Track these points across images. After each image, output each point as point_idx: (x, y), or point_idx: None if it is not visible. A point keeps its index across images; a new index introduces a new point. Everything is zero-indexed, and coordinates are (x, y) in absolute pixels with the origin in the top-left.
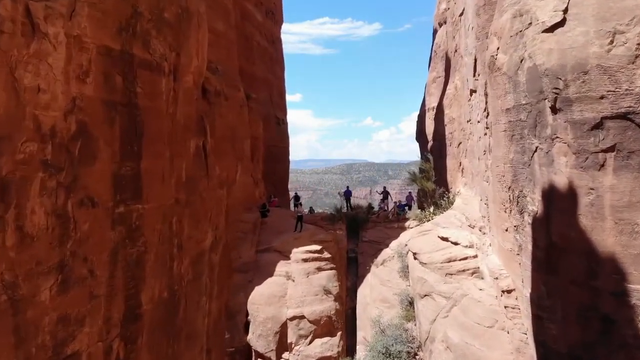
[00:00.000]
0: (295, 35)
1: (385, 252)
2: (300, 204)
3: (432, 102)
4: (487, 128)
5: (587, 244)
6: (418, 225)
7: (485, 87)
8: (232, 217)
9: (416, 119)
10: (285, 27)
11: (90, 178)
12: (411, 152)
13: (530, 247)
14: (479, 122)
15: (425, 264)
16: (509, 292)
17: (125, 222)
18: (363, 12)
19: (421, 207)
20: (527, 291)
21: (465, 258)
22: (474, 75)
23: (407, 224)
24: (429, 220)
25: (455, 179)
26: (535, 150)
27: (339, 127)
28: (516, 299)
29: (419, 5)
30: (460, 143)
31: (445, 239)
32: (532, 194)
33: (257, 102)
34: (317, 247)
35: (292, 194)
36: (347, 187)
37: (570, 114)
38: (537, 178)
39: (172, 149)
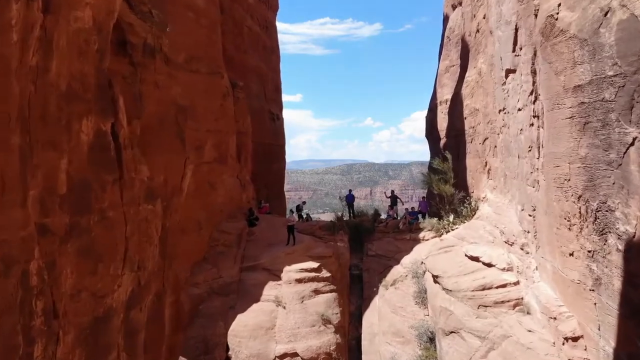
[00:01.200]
0: (296, 36)
1: (396, 270)
2: (299, 214)
3: (445, 94)
4: (535, 117)
5: None
6: (435, 237)
7: (533, 63)
8: (212, 227)
9: (415, 119)
10: (285, 27)
11: None
12: (411, 153)
13: (617, 283)
14: (520, 109)
15: (450, 291)
16: (574, 339)
17: None
18: (364, 12)
19: (436, 215)
20: (607, 344)
21: (504, 285)
22: (514, 50)
23: (421, 235)
24: (448, 231)
25: (478, 182)
26: (632, 144)
27: (339, 128)
28: (585, 349)
29: (419, 5)
30: (486, 139)
31: (475, 259)
32: (624, 207)
33: (247, 93)
34: (314, 265)
35: (289, 195)
36: (350, 190)
37: None
38: (634, 185)
39: (36, 133)
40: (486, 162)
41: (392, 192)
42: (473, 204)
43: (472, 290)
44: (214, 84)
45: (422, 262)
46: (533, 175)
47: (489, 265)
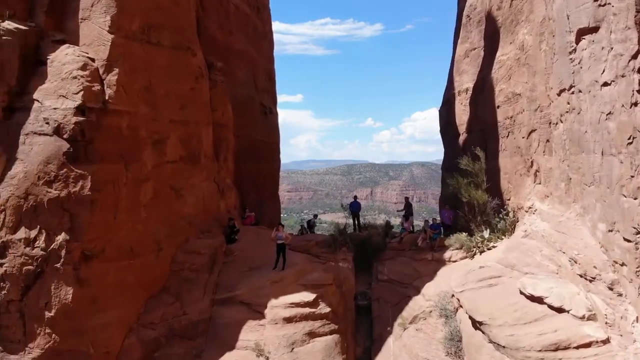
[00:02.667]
0: (297, 36)
1: (417, 303)
2: (310, 232)
3: (465, 82)
4: None
5: None
6: (465, 257)
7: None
8: (175, 246)
9: (416, 119)
10: (286, 27)
11: None
12: (412, 153)
13: None
14: (607, 84)
15: (503, 347)
16: None
17: None
18: (365, 12)
19: (464, 228)
20: None
21: (588, 344)
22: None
23: (446, 255)
24: (483, 250)
25: (518, 187)
26: None
27: (339, 128)
28: None
29: (420, 5)
30: (532, 131)
31: (537, 300)
32: None
33: (232, 80)
34: (309, 297)
35: (289, 196)
36: (355, 197)
37: None
38: None
39: None
40: (532, 162)
41: (407, 199)
42: (511, 215)
43: (540, 350)
44: (182, 62)
45: (453, 295)
46: (636, 180)
47: (560, 310)
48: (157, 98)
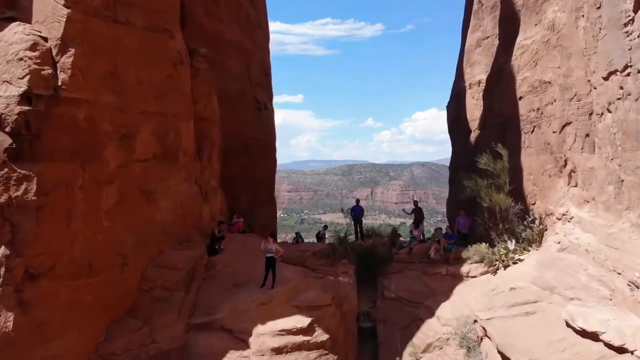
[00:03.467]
0: (297, 36)
1: (431, 328)
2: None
3: (477, 74)
4: None
5: None
6: (487, 272)
7: None
8: (145, 259)
9: (416, 119)
10: (286, 27)
11: None
12: (412, 153)
13: None
14: None
15: None
16: None
17: None
18: (365, 12)
19: (483, 237)
20: None
21: None
22: None
23: (464, 269)
24: (507, 264)
25: (546, 190)
26: None
27: (340, 128)
28: None
29: (421, 6)
30: (566, 124)
31: (590, 336)
32: None
33: (221, 70)
34: (303, 322)
35: (289, 196)
36: (357, 200)
37: None
38: None
39: None
40: (566, 160)
41: (416, 203)
42: (537, 223)
43: None
44: (157, 45)
45: (475, 321)
46: None
47: (621, 350)
48: (125, 85)
